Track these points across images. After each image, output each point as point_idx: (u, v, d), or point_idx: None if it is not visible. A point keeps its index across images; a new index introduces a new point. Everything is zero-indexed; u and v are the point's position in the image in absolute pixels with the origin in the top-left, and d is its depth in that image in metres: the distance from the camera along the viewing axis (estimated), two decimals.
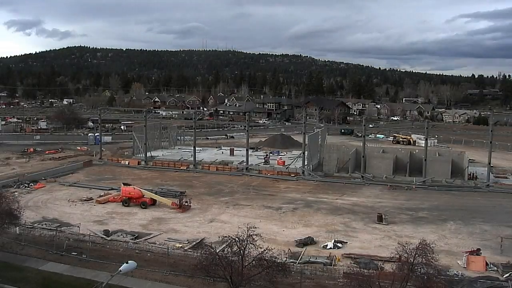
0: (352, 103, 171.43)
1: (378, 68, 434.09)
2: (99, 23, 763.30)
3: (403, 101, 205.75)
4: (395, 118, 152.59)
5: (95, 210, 40.39)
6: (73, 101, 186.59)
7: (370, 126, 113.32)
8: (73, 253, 29.52)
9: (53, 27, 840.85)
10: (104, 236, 32.94)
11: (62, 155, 67.10)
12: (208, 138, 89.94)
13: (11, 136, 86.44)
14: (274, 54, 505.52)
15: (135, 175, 56.62)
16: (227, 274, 20.99)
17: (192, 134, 66.90)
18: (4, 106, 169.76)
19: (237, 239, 21.46)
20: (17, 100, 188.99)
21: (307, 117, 70.81)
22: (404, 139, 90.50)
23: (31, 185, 48.30)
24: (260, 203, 43.71)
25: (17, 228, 31.67)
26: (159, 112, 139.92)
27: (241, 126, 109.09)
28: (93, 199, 43.60)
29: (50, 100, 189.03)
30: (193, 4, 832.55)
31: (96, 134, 78.78)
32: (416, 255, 20.08)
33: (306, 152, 57.32)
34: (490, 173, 53.74)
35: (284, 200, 45.32)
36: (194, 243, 32.04)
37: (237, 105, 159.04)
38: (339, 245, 32.03)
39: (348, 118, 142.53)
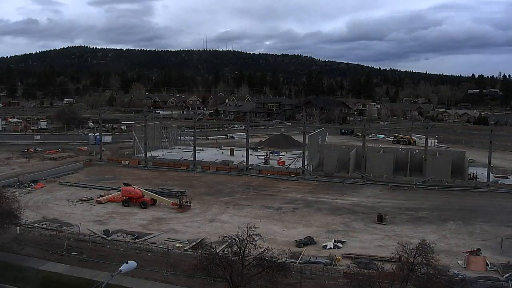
0: (352, 103, 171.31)
1: (378, 68, 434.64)
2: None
3: (403, 101, 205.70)
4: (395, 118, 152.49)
5: (95, 210, 40.38)
6: (73, 101, 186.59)
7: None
8: (73, 253, 29.48)
9: None
10: (104, 236, 32.93)
11: (62, 155, 67.05)
12: (208, 138, 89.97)
13: (11, 136, 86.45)
14: (274, 54, 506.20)
15: (135, 175, 56.60)
16: (227, 274, 20.96)
17: (192, 134, 66.91)
18: (3, 105, 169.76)
19: (237, 239, 21.40)
20: (17, 100, 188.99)
21: (307, 117, 70.79)
22: (404, 139, 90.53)
23: (31, 185, 48.26)
24: (260, 203, 43.70)
25: (17, 228, 31.70)
26: (159, 112, 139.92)
27: (241, 126, 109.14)
28: (93, 199, 43.59)
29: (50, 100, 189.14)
30: None
31: (96, 134, 78.79)
32: (416, 255, 20.04)
33: (306, 152, 57.32)
34: (490, 173, 53.68)
35: (284, 200, 45.29)
36: (194, 243, 32.01)
37: (237, 105, 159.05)
38: (339, 245, 32.00)
39: (348, 118, 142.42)
